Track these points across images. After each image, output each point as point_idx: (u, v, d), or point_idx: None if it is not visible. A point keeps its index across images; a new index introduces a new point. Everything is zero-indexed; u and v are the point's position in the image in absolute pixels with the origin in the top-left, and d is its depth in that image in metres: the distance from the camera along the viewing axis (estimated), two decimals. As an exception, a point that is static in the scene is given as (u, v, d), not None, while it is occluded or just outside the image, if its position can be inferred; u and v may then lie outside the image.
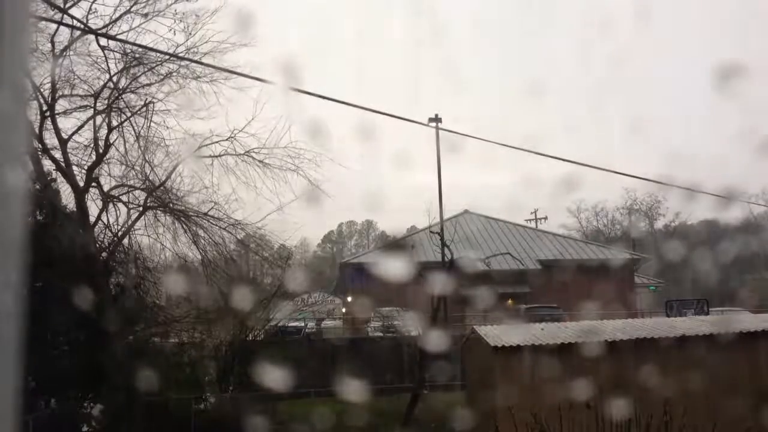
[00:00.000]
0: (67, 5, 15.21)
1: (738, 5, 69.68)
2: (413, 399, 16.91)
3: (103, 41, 15.84)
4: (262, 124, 16.93)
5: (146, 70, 16.47)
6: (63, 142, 15.96)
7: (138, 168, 16.98)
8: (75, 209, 15.93)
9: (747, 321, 14.90)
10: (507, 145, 10.94)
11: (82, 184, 16.12)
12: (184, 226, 17.09)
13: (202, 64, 15.98)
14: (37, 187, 14.68)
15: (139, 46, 15.50)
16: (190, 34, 16.06)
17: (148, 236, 17.09)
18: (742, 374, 12.05)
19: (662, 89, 64.66)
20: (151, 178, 16.96)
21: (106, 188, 16.84)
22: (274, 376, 12.45)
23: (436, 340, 15.34)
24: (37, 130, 15.21)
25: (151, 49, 15.55)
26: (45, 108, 15.66)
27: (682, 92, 68.52)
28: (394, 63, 71.96)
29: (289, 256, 18.94)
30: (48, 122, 15.73)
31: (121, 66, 16.44)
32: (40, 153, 15.18)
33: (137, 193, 17.15)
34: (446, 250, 19.89)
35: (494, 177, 45.33)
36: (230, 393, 16.89)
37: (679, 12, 68.24)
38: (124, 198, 17.05)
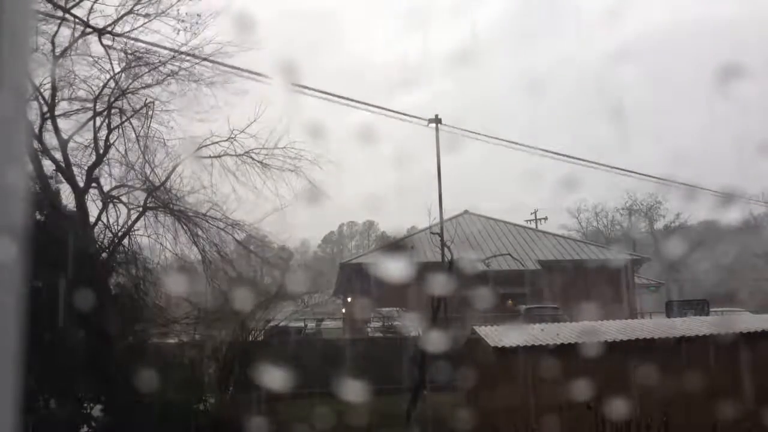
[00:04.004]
0: (69, 5, 15.22)
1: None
2: (413, 399, 16.90)
3: (105, 40, 15.86)
4: (262, 124, 16.98)
5: (147, 70, 16.50)
6: (63, 143, 15.95)
7: (138, 168, 17.01)
8: (75, 209, 15.93)
9: (747, 321, 14.91)
10: (507, 141, 10.94)
11: (82, 184, 16.12)
12: (184, 226, 17.11)
13: (204, 59, 16.01)
14: (37, 187, 14.67)
15: (141, 41, 15.52)
16: (193, 35, 16.10)
17: (148, 236, 17.11)
18: (742, 375, 12.05)
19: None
20: (151, 179, 16.98)
21: (106, 189, 16.85)
22: (274, 377, 12.45)
23: (436, 341, 15.33)
24: (37, 131, 15.21)
25: (153, 45, 15.58)
26: (45, 108, 15.66)
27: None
28: (397, 62, 71.95)
29: (289, 256, 18.94)
30: (48, 123, 15.73)
31: (121, 66, 16.48)
32: (40, 153, 15.18)
33: (137, 193, 17.17)
34: (446, 251, 19.90)
35: (495, 177, 45.34)
36: (230, 393, 16.88)
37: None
38: (124, 198, 17.07)
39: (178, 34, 15.89)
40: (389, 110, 9.86)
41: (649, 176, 16.58)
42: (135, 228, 16.80)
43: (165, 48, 15.82)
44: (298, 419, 14.97)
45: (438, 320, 18.53)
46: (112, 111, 16.61)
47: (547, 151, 11.17)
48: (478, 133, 10.56)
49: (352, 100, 9.26)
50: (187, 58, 16.16)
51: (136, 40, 15.53)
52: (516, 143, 10.83)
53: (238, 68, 15.13)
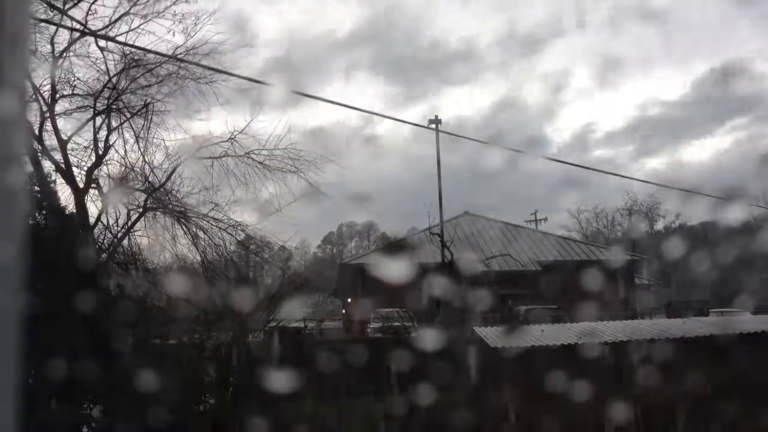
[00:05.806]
0: (67, 6, 15.22)
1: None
2: (412, 400, 16.88)
3: (102, 42, 15.86)
4: (262, 125, 16.98)
5: (145, 71, 16.47)
6: (63, 144, 15.95)
7: (138, 169, 17.00)
8: (75, 210, 15.91)
9: (747, 322, 14.90)
10: (505, 147, 10.94)
11: (81, 185, 16.12)
12: (184, 227, 17.09)
13: (200, 65, 16.00)
14: (37, 188, 14.66)
15: (138, 48, 15.51)
16: (189, 35, 16.09)
17: (148, 237, 17.10)
18: (743, 375, 12.03)
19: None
20: (150, 180, 16.97)
21: (105, 189, 16.84)
22: (273, 377, 12.44)
23: (436, 342, 15.31)
24: (36, 132, 15.20)
25: (150, 51, 15.57)
26: (45, 109, 15.66)
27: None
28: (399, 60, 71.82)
29: (289, 257, 18.94)
30: (48, 123, 15.74)
31: (120, 67, 16.46)
32: (39, 154, 15.17)
33: (137, 194, 17.16)
34: (446, 252, 19.91)
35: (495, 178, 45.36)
36: (230, 394, 16.85)
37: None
38: (124, 199, 17.04)
39: (174, 35, 15.90)
40: (389, 117, 9.89)
41: (648, 182, 16.58)
42: (135, 229, 16.80)
43: (161, 54, 15.80)
44: (298, 420, 14.97)
45: (437, 321, 18.52)
46: (112, 111, 16.61)
47: (548, 158, 11.19)
48: (479, 140, 10.58)
49: (350, 106, 9.28)
50: (186, 58, 16.15)
51: (132, 46, 15.52)
52: (516, 150, 10.85)
53: (235, 74, 15.09)
